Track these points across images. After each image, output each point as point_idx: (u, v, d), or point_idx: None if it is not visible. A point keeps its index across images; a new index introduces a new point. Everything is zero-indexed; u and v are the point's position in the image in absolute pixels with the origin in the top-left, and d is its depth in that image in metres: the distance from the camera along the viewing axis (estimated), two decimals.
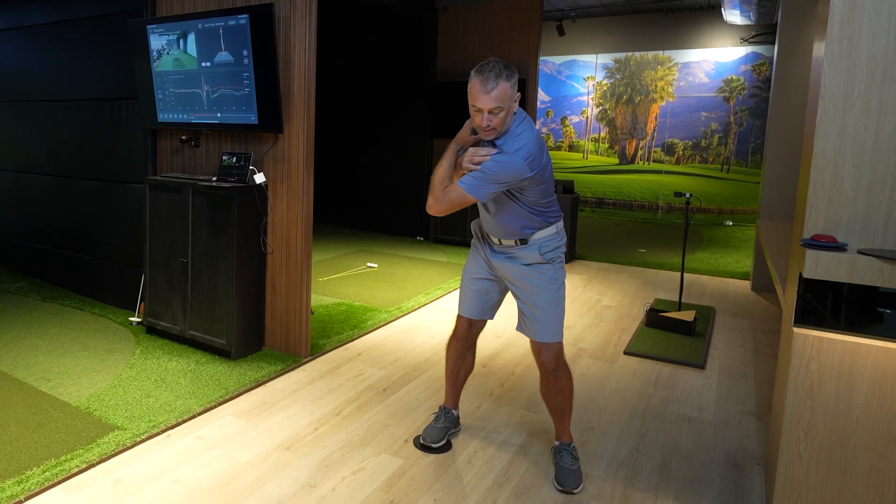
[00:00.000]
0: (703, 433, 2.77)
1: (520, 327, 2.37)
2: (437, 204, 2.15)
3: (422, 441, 2.57)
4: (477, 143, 2.21)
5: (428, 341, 3.89)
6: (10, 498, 2.12)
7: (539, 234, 2.29)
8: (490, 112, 2.04)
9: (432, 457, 2.50)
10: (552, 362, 2.30)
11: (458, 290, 5.14)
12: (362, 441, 2.60)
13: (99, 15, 4.27)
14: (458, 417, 2.71)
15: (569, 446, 2.40)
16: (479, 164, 2.11)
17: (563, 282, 2.33)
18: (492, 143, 2.16)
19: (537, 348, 2.32)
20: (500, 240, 2.34)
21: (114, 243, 4.34)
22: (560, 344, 2.32)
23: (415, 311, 4.55)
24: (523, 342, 3.88)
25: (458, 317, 2.55)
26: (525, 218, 2.25)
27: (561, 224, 2.35)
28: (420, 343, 3.85)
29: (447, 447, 2.57)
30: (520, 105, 2.19)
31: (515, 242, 2.30)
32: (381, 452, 2.52)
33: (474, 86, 2.04)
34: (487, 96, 2.01)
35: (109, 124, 4.26)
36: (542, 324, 2.28)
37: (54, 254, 4.88)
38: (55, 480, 2.24)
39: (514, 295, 2.38)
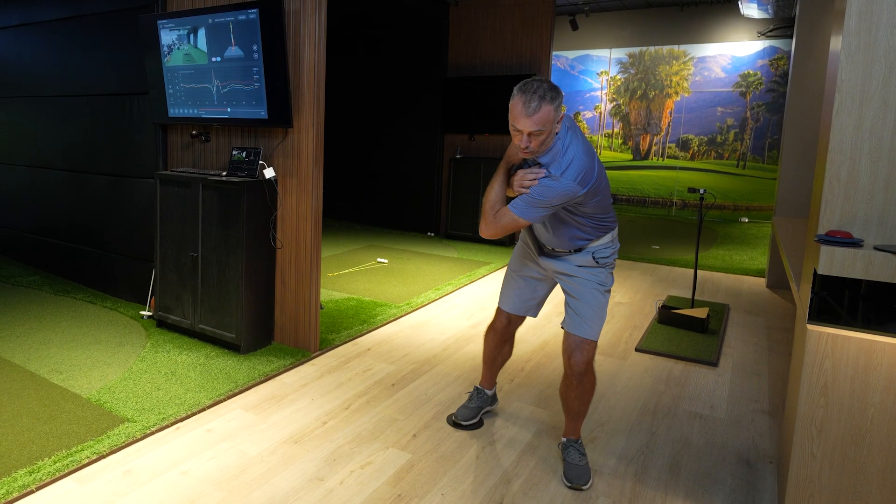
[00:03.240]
0: (715, 431, 2.73)
1: (564, 322, 2.35)
2: (489, 228, 2.12)
3: (454, 419, 2.70)
4: (525, 160, 2.17)
5: (437, 337, 3.88)
6: (22, 487, 2.15)
7: (594, 244, 2.28)
8: (530, 135, 1.98)
9: (440, 451, 2.49)
10: (581, 366, 2.27)
11: (468, 286, 5.15)
12: (370, 435, 2.60)
13: (110, 10, 4.29)
14: (494, 395, 2.81)
15: (576, 442, 2.38)
16: (528, 187, 2.06)
17: (610, 288, 2.32)
18: (538, 163, 2.12)
19: (570, 348, 2.28)
20: (553, 248, 2.33)
21: (125, 238, 4.37)
22: (594, 347, 2.28)
23: (425, 307, 4.54)
24: (534, 338, 3.86)
25: (498, 310, 2.58)
26: (580, 230, 2.23)
27: (616, 230, 2.34)
28: (430, 339, 3.84)
29: (479, 425, 2.70)
30: None
31: (570, 251, 2.30)
32: (389, 447, 2.51)
33: (516, 106, 1.98)
34: (528, 119, 1.95)
35: (121, 119, 4.29)
36: (582, 317, 2.26)
37: (67, 248, 4.93)
38: (66, 471, 2.26)
39: (563, 289, 2.38)
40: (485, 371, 2.76)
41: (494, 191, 2.15)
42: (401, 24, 7.85)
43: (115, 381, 3.03)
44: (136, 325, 3.86)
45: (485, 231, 2.14)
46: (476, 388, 2.77)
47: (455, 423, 2.69)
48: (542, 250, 2.39)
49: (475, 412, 2.71)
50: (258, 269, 3.46)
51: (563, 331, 2.46)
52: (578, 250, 2.29)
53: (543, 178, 2.05)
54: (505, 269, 2.61)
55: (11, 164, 5.50)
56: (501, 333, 2.61)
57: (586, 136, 10.75)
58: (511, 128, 2.03)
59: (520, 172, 2.12)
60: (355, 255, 6.29)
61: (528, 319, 4.19)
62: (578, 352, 2.26)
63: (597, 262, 2.28)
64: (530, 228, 2.41)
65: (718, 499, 2.22)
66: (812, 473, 2.00)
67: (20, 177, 5.41)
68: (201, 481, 2.23)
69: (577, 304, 2.29)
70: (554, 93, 1.98)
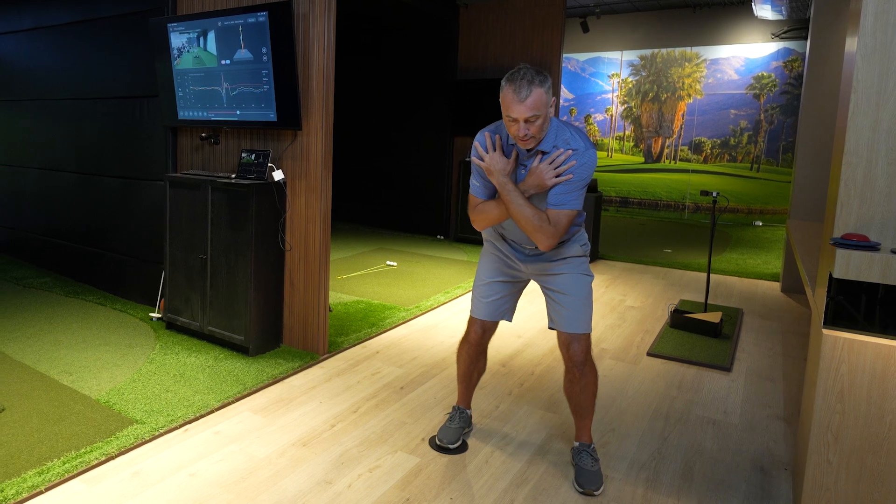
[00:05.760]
0: (729, 437, 2.69)
1: (552, 323, 2.33)
2: (554, 238, 2.06)
3: (438, 442, 2.53)
4: (515, 158, 2.14)
5: (446, 340, 3.86)
6: (31, 488, 2.15)
7: (578, 233, 2.29)
8: (526, 121, 1.97)
9: (449, 456, 2.47)
10: (581, 355, 2.25)
11: None
12: (379, 439, 2.58)
13: (121, 14, 4.33)
14: (471, 417, 2.67)
15: (589, 447, 2.35)
16: (558, 175, 2.04)
17: (592, 275, 2.33)
18: (527, 152, 2.10)
19: (567, 340, 2.27)
20: (536, 247, 2.28)
21: (135, 240, 4.39)
22: (589, 337, 2.29)
23: (434, 310, 4.52)
24: (544, 342, 3.83)
25: (472, 321, 2.47)
26: None
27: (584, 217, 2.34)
28: (438, 342, 3.82)
29: (463, 448, 2.53)
30: None
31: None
32: (397, 450, 2.49)
33: (507, 95, 1.97)
34: (522, 105, 1.94)
35: (131, 122, 4.32)
36: (575, 313, 2.24)
37: (77, 250, 4.97)
38: (75, 472, 2.26)
39: (546, 289, 2.33)
40: (461, 390, 2.63)
41: (527, 206, 2.05)
42: (410, 26, 7.85)
43: (124, 382, 3.04)
44: (145, 327, 3.88)
45: (548, 242, 2.07)
46: (456, 408, 2.64)
47: (440, 446, 2.51)
48: (523, 255, 2.33)
49: (459, 433, 2.55)
50: (267, 271, 3.46)
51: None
52: (563, 242, 2.26)
53: (576, 156, 2.03)
54: None
55: (23, 166, 5.56)
56: (476, 345, 2.50)
57: (597, 139, 10.73)
58: (506, 119, 2.02)
59: (541, 166, 2.06)
60: (364, 257, 6.29)
61: (538, 324, 4.17)
62: (576, 342, 2.25)
63: (582, 249, 2.29)
64: (501, 232, 2.36)
65: None
66: (828, 481, 1.96)
67: (31, 179, 5.46)
68: (209, 483, 2.23)
69: (566, 300, 2.25)
70: (542, 76, 1.98)
